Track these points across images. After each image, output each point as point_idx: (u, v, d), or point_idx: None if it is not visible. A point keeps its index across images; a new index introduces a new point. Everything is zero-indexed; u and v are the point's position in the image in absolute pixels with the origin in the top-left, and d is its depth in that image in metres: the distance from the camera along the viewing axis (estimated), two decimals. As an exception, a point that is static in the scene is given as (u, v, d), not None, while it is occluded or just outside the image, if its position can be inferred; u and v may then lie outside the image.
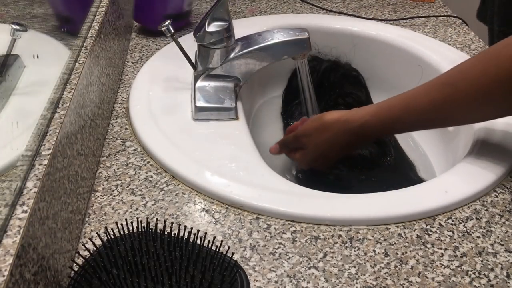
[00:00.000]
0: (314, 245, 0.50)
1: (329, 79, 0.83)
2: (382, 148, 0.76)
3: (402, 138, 0.81)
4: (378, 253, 0.49)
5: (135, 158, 0.61)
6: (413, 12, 0.99)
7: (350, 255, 0.49)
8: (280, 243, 0.50)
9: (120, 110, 0.70)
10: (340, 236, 0.51)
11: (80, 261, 0.41)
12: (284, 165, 0.76)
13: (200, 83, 0.68)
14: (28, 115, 0.47)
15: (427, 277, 0.47)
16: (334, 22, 0.92)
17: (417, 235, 0.51)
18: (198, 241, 0.42)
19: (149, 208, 0.54)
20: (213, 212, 0.53)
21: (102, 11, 0.72)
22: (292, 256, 0.49)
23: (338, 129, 0.63)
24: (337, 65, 0.86)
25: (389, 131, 0.68)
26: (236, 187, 0.55)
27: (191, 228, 0.46)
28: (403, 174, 0.74)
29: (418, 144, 0.81)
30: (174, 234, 0.42)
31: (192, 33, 0.66)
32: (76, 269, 0.40)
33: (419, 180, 0.72)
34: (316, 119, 0.65)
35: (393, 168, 0.75)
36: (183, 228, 0.43)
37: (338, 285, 0.46)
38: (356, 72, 0.86)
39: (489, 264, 0.48)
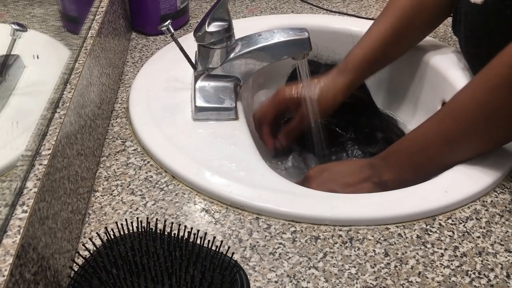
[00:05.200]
0: (314, 245, 0.50)
1: None
2: (389, 145, 0.76)
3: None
4: (378, 253, 0.49)
5: (135, 158, 0.61)
6: (413, 12, 0.99)
7: (350, 255, 0.49)
8: (280, 243, 0.50)
9: (120, 110, 0.70)
10: (340, 236, 0.51)
11: (80, 261, 0.41)
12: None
13: (200, 83, 0.68)
14: (28, 115, 0.47)
15: (427, 277, 0.47)
16: (334, 22, 0.92)
17: (417, 235, 0.51)
18: (198, 241, 0.42)
19: (149, 208, 0.54)
20: (213, 212, 0.53)
21: (102, 11, 0.72)
22: (292, 256, 0.49)
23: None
24: (334, 66, 0.86)
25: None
26: (236, 187, 0.55)
27: (191, 228, 0.46)
28: None
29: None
30: (174, 234, 0.42)
31: (192, 33, 0.66)
32: (76, 269, 0.40)
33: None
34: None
35: None
36: (183, 228, 0.43)
37: (338, 285, 0.46)
38: None
39: (489, 264, 0.48)
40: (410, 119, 0.84)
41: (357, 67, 0.74)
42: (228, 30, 0.65)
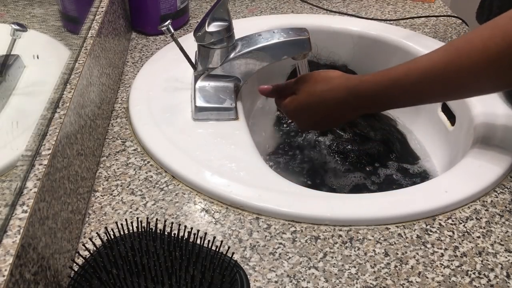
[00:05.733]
0: (314, 245, 0.50)
1: None
2: (389, 146, 0.77)
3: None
4: (378, 253, 0.49)
5: (135, 158, 0.61)
6: (413, 12, 0.99)
7: (350, 255, 0.49)
8: (280, 243, 0.50)
9: (120, 110, 0.70)
10: (340, 236, 0.51)
11: (80, 261, 0.41)
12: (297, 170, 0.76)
13: (200, 83, 0.68)
14: (28, 115, 0.47)
15: (427, 277, 0.47)
16: (334, 22, 0.92)
17: (417, 235, 0.51)
18: (198, 241, 0.42)
19: (149, 208, 0.54)
20: (213, 212, 0.53)
21: (102, 11, 0.72)
22: (292, 256, 0.49)
23: (336, 83, 0.60)
24: (333, 68, 0.86)
25: (386, 96, 0.58)
26: (236, 187, 0.55)
27: (191, 228, 0.46)
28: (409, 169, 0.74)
29: (419, 143, 0.81)
30: (174, 234, 0.42)
31: (192, 33, 0.66)
32: (76, 269, 0.40)
33: (424, 173, 0.72)
34: (318, 71, 0.63)
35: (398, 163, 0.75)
36: (183, 228, 0.43)
37: (338, 285, 0.46)
38: (353, 73, 0.86)
39: (489, 264, 0.48)
40: (410, 120, 0.84)
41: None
42: (228, 30, 0.65)
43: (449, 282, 0.47)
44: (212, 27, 0.64)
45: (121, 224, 0.43)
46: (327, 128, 0.71)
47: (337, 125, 0.76)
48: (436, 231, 0.52)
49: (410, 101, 0.59)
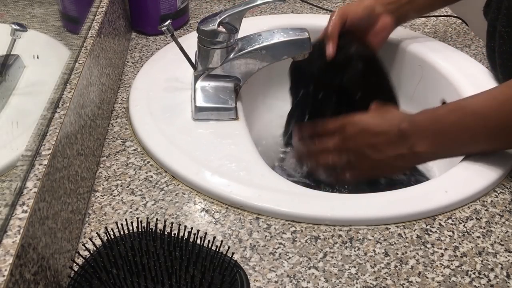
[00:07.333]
0: (314, 245, 0.50)
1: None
2: None
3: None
4: (378, 253, 0.49)
5: (135, 158, 0.61)
6: (413, 12, 0.99)
7: (350, 255, 0.49)
8: (280, 243, 0.50)
9: (120, 110, 0.70)
10: (340, 236, 0.51)
11: (80, 261, 0.41)
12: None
13: (200, 83, 0.68)
14: (28, 115, 0.47)
15: (427, 277, 0.47)
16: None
17: (417, 235, 0.51)
18: (198, 241, 0.42)
19: (149, 208, 0.54)
20: (213, 212, 0.54)
21: (102, 11, 0.72)
22: (292, 256, 0.49)
23: (392, 113, 0.63)
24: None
25: (448, 122, 0.56)
26: (236, 187, 0.55)
27: (191, 228, 0.46)
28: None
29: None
30: (174, 234, 0.42)
31: (191, 33, 0.66)
32: (76, 269, 0.40)
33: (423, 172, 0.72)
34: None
35: None
36: (183, 228, 0.43)
37: (338, 285, 0.46)
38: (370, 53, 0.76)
39: (489, 264, 0.48)
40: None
41: None
42: (233, 37, 0.65)
43: (449, 282, 0.47)
44: (221, 29, 0.64)
45: (121, 224, 0.43)
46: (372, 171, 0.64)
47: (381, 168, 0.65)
48: (436, 231, 0.52)
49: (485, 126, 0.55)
